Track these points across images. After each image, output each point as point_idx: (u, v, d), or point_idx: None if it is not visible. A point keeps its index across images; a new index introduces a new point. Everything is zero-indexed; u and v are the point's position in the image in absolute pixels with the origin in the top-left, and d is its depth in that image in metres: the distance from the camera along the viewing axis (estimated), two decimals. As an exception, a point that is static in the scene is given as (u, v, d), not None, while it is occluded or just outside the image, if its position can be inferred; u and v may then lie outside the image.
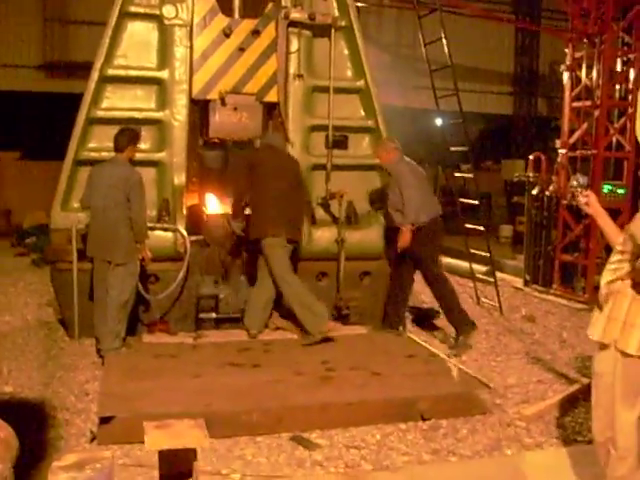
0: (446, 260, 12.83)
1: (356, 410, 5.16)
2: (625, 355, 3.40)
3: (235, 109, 7.51)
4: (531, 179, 11.25)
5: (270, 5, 7.60)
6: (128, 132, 6.67)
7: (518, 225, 15.13)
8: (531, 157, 11.52)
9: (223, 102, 7.44)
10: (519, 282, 11.44)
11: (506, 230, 16.44)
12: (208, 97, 7.45)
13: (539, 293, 10.74)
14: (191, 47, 7.37)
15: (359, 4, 14.37)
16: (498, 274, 10.47)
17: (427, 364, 6.16)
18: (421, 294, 10.41)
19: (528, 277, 11.23)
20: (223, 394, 5.23)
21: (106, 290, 6.42)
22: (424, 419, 5.26)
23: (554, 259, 10.81)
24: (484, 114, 20.38)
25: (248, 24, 7.50)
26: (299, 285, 6.83)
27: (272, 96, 7.60)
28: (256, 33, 7.48)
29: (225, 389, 5.32)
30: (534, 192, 11.05)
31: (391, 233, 7.45)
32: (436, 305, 9.49)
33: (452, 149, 9.83)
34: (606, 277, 3.54)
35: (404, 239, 7.06)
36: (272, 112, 7.86)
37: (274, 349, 6.53)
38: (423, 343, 7.10)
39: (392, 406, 5.28)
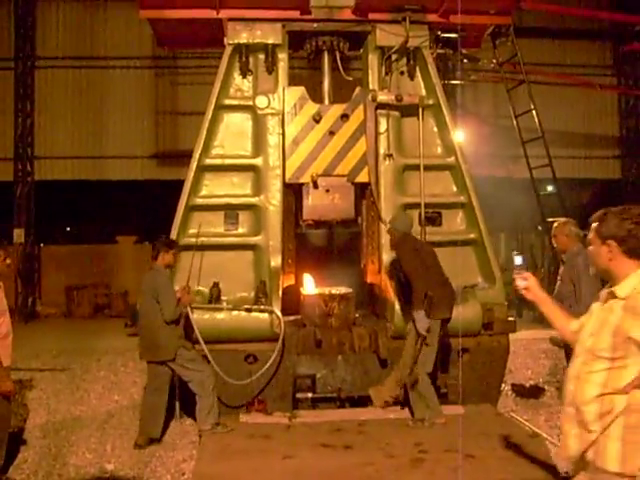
0: (554, 333, 12.38)
1: (448, 494, 5.01)
2: None
3: (327, 191, 7.71)
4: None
5: (357, 90, 7.86)
6: (160, 241, 7.00)
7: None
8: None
9: (315, 185, 7.66)
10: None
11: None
12: (301, 181, 7.70)
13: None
14: (283, 134, 7.69)
15: (454, 82, 14.66)
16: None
17: (526, 446, 5.91)
18: (527, 369, 10.07)
19: None
20: (312, 476, 5.23)
21: (161, 388, 6.80)
22: (520, 505, 5.04)
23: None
24: (590, 179, 19.84)
25: (337, 109, 7.77)
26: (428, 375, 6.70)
27: (363, 177, 7.76)
28: (345, 117, 7.73)
29: (314, 471, 5.31)
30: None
31: None
32: (542, 381, 9.17)
33: (549, 220, 9.65)
34: (590, 390, 3.02)
35: None
36: (364, 192, 8.02)
37: (368, 429, 6.45)
38: (525, 422, 6.84)
39: (485, 491, 5.10)
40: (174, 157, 17.43)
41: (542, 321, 13.60)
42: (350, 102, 7.82)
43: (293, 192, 8.00)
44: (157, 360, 6.72)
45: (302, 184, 7.76)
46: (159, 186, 17.54)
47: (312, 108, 7.74)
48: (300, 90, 7.78)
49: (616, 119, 20.16)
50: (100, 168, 18.01)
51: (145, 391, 7.16)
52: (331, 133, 7.73)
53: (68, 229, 23.43)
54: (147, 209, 18.51)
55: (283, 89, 7.77)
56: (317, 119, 7.69)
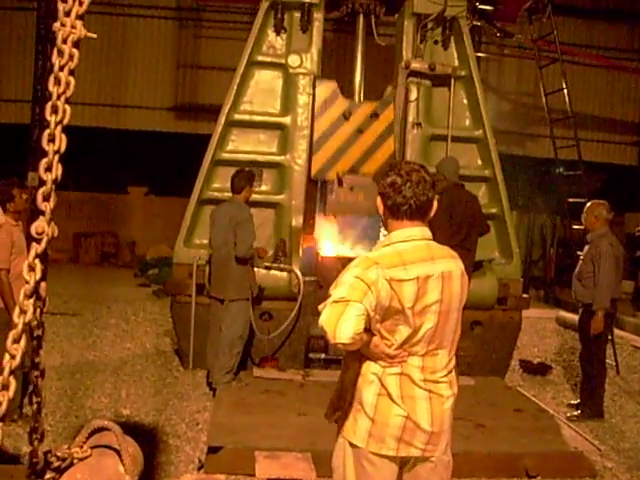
0: (561, 313, 12.47)
1: (459, 461, 4.96)
2: None
3: (352, 189, 7.73)
4: (654, 234, 10.81)
5: (389, 89, 7.83)
6: (244, 174, 6.87)
7: (640, 281, 14.49)
8: (655, 211, 11.08)
9: (340, 182, 7.69)
10: (639, 341, 10.92)
11: (627, 286, 15.69)
12: (326, 178, 7.74)
13: (660, 354, 10.20)
14: (312, 129, 7.68)
15: (480, 54, 14.50)
16: (617, 332, 10.05)
17: (535, 420, 5.99)
18: (534, 347, 10.15)
19: (648, 336, 10.71)
20: (327, 433, 5.25)
21: (219, 327, 6.69)
22: (529, 476, 5.12)
23: (677, 319, 10.27)
24: (607, 164, 19.71)
25: (367, 107, 7.79)
26: None
27: None
28: (375, 116, 7.73)
29: (330, 429, 5.34)
30: (657, 248, 10.61)
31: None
32: (549, 359, 9.26)
33: (570, 201, 9.62)
34: None
35: (598, 326, 6.62)
36: None
37: (380, 393, 6.52)
38: (532, 398, 6.92)
39: (496, 460, 5.17)
40: (193, 111, 17.36)
41: (547, 300, 13.69)
42: (380, 101, 7.83)
43: (318, 186, 7.98)
44: (222, 296, 6.66)
45: (326, 181, 7.78)
46: (175, 139, 17.49)
47: (343, 104, 7.73)
48: (332, 85, 7.78)
49: (638, 105, 19.97)
50: (117, 117, 17.92)
51: (209, 334, 6.93)
52: (360, 131, 7.72)
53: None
54: (160, 162, 18.43)
55: (315, 82, 7.70)
56: (347, 116, 7.69)
